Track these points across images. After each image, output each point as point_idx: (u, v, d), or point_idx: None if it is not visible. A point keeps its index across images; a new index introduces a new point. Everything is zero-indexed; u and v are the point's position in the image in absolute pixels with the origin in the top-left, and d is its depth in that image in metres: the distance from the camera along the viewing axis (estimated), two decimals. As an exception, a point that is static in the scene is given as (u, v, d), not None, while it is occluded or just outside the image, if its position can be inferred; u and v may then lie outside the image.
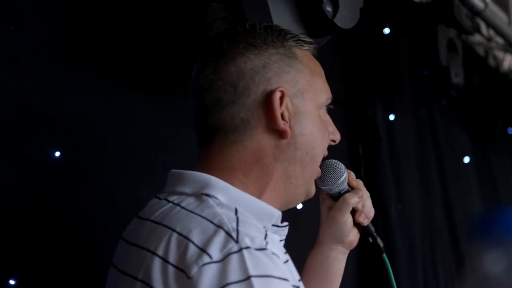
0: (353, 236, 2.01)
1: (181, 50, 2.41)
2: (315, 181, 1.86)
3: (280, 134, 1.71)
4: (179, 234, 1.55)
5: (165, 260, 1.54)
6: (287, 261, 1.59)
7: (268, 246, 1.52)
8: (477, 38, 4.10)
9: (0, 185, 2.03)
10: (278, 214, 1.72)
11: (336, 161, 1.92)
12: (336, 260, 2.02)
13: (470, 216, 4.03)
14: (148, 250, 1.58)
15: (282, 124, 1.70)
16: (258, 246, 1.51)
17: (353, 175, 1.97)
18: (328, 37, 2.43)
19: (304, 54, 1.79)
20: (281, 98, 1.70)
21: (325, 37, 2.40)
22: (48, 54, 2.17)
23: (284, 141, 1.72)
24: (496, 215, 4.16)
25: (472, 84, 4.09)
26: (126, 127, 2.33)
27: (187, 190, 1.67)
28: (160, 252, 1.55)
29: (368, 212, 1.98)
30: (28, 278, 2.04)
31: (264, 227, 1.62)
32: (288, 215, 2.84)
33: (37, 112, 2.12)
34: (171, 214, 1.62)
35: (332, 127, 1.84)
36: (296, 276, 1.63)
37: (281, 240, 1.79)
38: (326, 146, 1.81)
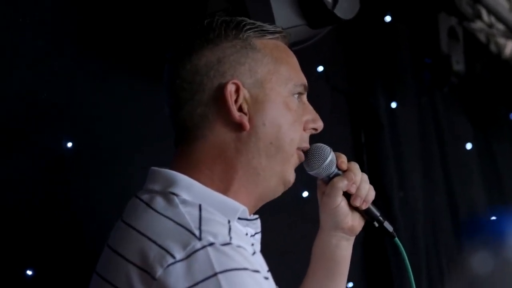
0: (354, 221, 1.93)
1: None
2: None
3: (239, 126, 1.72)
4: (145, 236, 1.58)
5: (130, 262, 1.57)
6: (254, 253, 1.61)
7: (233, 241, 1.55)
8: (478, 24, 4.10)
9: (14, 177, 2.07)
10: (242, 208, 1.70)
11: (321, 144, 1.88)
12: (337, 247, 1.96)
13: (472, 204, 4.03)
14: (123, 257, 1.60)
15: (237, 116, 1.71)
16: (222, 241, 1.53)
17: (343, 158, 1.90)
18: (329, 27, 2.44)
19: (266, 44, 1.78)
20: (237, 90, 1.72)
21: (325, 28, 2.42)
22: (58, 47, 2.20)
23: (244, 133, 1.72)
24: (499, 211, 4.14)
25: (474, 71, 4.09)
26: (137, 118, 2.36)
27: (156, 187, 1.70)
28: (131, 257, 1.57)
29: (365, 195, 1.90)
30: (44, 268, 2.09)
31: (229, 222, 1.63)
32: (295, 203, 2.87)
33: (48, 104, 2.16)
34: (142, 216, 1.64)
35: (311, 115, 1.82)
36: (265, 267, 1.65)
37: (256, 233, 1.79)
38: (298, 135, 1.79)
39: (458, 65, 3.63)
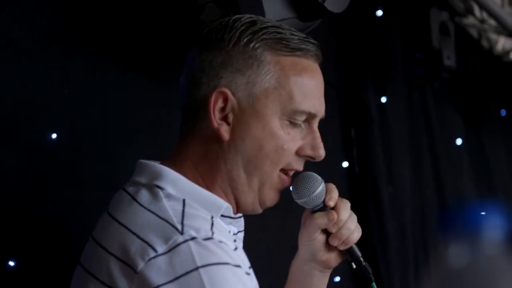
0: (329, 257, 1.87)
1: (173, 34, 2.41)
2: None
3: (218, 134, 1.69)
4: (128, 229, 1.58)
5: (112, 255, 1.57)
6: (236, 248, 1.60)
7: (215, 236, 1.54)
8: (470, 20, 4.09)
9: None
10: (226, 205, 1.69)
11: (313, 174, 1.81)
12: (310, 276, 1.91)
13: (462, 199, 4.03)
14: (106, 250, 1.60)
15: (216, 124, 1.68)
16: (204, 236, 1.53)
17: (333, 194, 1.82)
18: (319, 21, 2.43)
19: (279, 60, 1.70)
20: (226, 99, 1.68)
21: (315, 21, 2.41)
22: (45, 39, 2.19)
23: (225, 143, 1.69)
24: (489, 206, 4.14)
25: (465, 66, 4.08)
26: (123, 111, 2.35)
27: (143, 180, 1.69)
28: (113, 250, 1.58)
29: (346, 236, 1.82)
30: (27, 259, 2.07)
31: (212, 217, 1.63)
32: (283, 200, 2.85)
33: (34, 95, 2.14)
34: (126, 209, 1.64)
35: (312, 142, 1.74)
36: (247, 263, 1.65)
37: (239, 232, 1.77)
38: (285, 160, 1.72)
39: (449, 60, 3.63)
